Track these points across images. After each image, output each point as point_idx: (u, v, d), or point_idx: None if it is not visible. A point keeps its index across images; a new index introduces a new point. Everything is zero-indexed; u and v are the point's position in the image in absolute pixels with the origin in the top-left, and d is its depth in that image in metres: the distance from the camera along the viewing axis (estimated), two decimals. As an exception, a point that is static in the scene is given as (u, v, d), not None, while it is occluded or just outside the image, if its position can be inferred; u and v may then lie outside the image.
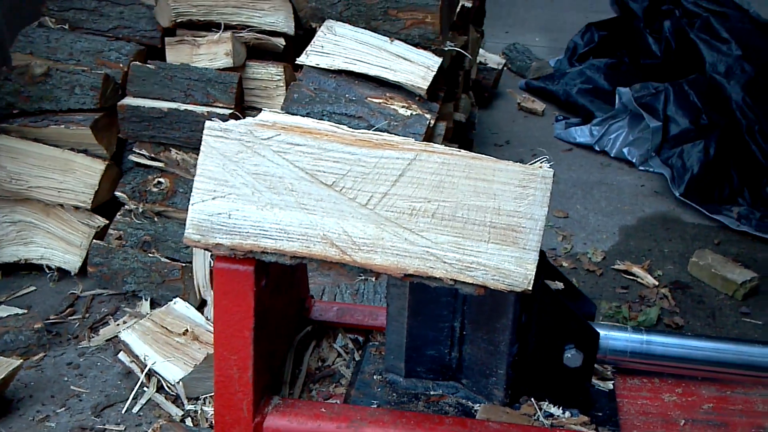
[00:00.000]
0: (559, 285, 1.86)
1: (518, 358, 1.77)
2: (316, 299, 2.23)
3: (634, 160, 4.44)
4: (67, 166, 3.04)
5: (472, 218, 1.56)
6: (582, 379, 1.80)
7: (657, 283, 3.29)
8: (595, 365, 1.90)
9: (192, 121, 2.92)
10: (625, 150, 4.49)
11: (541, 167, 1.56)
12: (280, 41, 3.12)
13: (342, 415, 1.74)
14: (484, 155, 1.60)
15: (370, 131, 1.64)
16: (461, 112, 3.89)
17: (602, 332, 1.83)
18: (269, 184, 1.61)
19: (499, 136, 4.85)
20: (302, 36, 3.14)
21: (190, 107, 2.96)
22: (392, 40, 2.84)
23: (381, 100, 2.77)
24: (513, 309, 1.69)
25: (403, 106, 2.77)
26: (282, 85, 3.09)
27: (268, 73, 3.10)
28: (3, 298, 3.03)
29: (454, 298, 1.79)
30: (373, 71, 2.78)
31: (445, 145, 3.46)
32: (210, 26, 3.10)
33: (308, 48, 2.83)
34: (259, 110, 3.14)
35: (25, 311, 2.93)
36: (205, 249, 1.64)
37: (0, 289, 3.09)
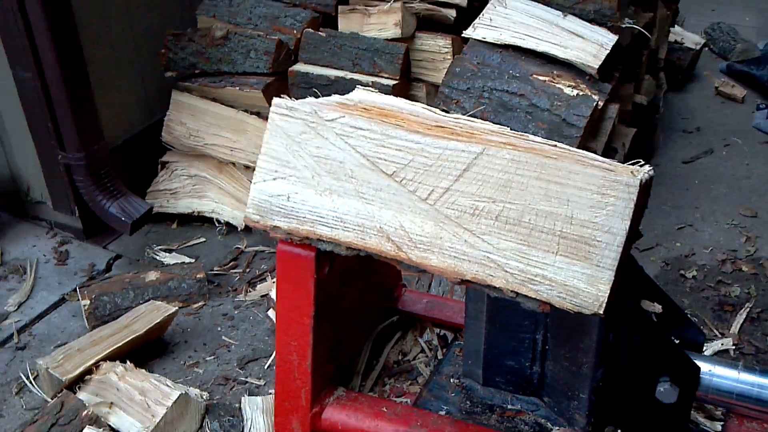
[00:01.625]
0: (657, 307, 1.61)
1: (603, 384, 1.59)
2: (408, 288, 2.11)
3: (844, 159, 3.94)
4: (241, 126, 3.18)
5: (540, 225, 1.39)
6: (678, 418, 1.60)
7: None
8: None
9: (357, 89, 2.94)
10: (834, 146, 4.00)
11: (633, 173, 1.32)
12: (451, 12, 3.05)
13: (403, 417, 1.66)
14: (563, 152, 1.37)
15: (464, 117, 1.50)
16: (643, 94, 3.63)
17: (706, 367, 1.62)
18: (329, 168, 1.54)
19: (690, 121, 4.49)
20: (476, 8, 3.05)
21: (356, 76, 2.99)
22: (565, 15, 2.69)
23: (547, 78, 2.63)
24: (598, 329, 1.51)
25: (570, 86, 2.61)
26: (449, 57, 3.03)
27: (436, 45, 3.05)
28: (175, 246, 3.25)
29: (536, 308, 1.64)
30: (541, 47, 2.64)
31: (622, 129, 3.20)
32: (383, -5, 3.09)
33: (476, 21, 2.74)
34: (425, 82, 3.12)
35: (193, 261, 3.13)
36: (263, 230, 1.59)
37: (174, 237, 3.32)
